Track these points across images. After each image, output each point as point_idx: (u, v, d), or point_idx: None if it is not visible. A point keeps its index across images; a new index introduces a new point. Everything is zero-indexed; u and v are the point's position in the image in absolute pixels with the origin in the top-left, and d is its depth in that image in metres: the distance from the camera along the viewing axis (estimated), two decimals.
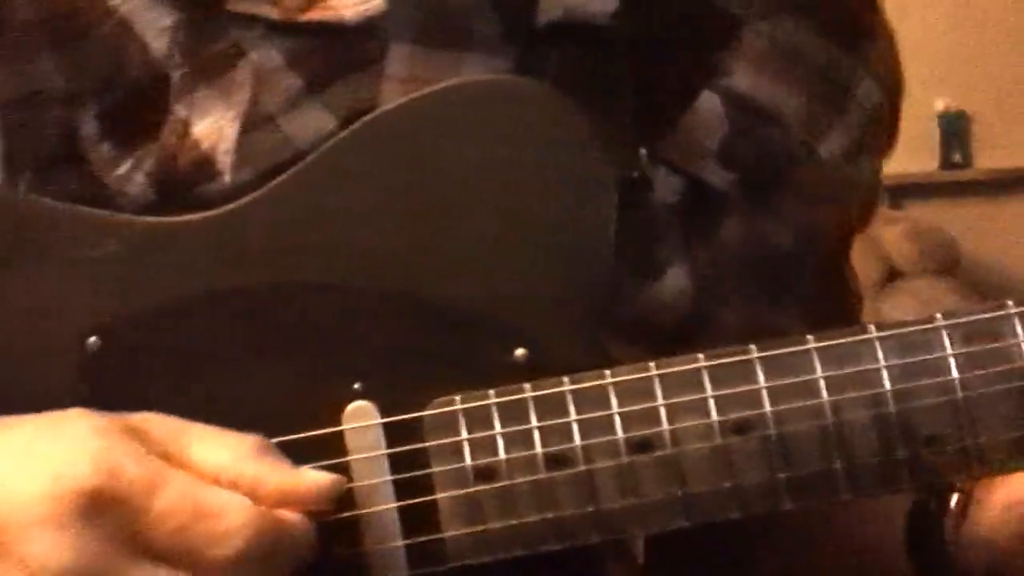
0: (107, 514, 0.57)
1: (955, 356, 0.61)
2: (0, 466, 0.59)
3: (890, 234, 4.63)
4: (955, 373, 0.61)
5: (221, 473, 0.61)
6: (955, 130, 5.55)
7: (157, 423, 0.63)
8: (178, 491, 0.59)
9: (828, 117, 0.83)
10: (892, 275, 4.49)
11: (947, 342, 0.61)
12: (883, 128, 0.87)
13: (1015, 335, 0.61)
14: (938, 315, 0.62)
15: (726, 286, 0.83)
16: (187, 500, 0.59)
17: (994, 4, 5.21)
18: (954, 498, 0.72)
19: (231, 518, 0.59)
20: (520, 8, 0.74)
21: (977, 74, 5.38)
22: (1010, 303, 0.61)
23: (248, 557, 0.59)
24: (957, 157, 5.60)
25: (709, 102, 0.78)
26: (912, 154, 5.58)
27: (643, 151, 0.74)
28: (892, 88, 0.87)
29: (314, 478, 0.63)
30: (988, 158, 5.47)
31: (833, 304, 0.90)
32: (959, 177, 5.50)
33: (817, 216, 0.85)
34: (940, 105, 5.48)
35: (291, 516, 0.62)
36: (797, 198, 0.83)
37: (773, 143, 0.80)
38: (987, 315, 0.61)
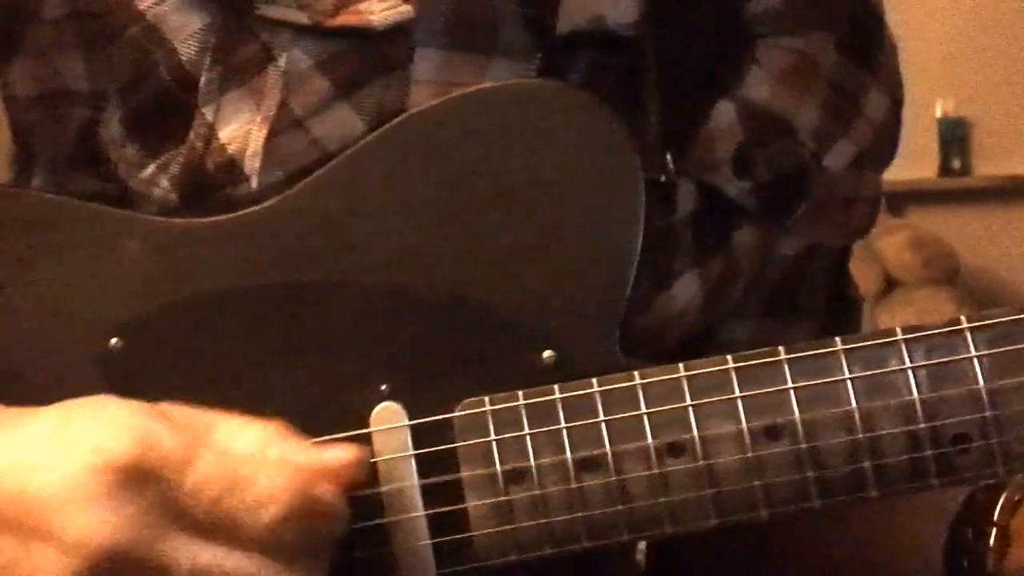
0: (146, 487, 0.57)
1: (979, 358, 0.62)
2: (31, 449, 0.59)
3: (890, 244, 4.62)
4: (980, 374, 0.62)
5: (245, 457, 0.61)
6: (955, 137, 5.54)
7: (180, 410, 0.62)
8: (213, 462, 0.59)
9: (837, 129, 0.83)
10: (890, 285, 4.48)
11: (972, 344, 0.62)
12: (888, 141, 0.88)
13: None
14: (963, 318, 0.62)
15: (735, 296, 0.84)
16: (223, 469, 0.58)
17: (996, 11, 5.20)
18: (993, 532, 0.72)
19: (267, 485, 0.59)
20: (544, 15, 0.74)
21: (977, 81, 5.37)
22: None
23: (286, 523, 0.59)
24: (956, 164, 5.59)
25: (724, 111, 0.79)
26: (911, 160, 5.58)
27: (669, 156, 0.74)
28: (896, 100, 0.87)
29: (336, 452, 0.62)
30: (987, 165, 5.47)
31: (839, 315, 0.91)
32: (958, 184, 5.49)
33: (821, 227, 0.86)
34: (940, 111, 5.47)
35: (326, 490, 0.61)
36: (805, 210, 0.84)
37: (786, 153, 0.81)
38: (1012, 318, 0.62)
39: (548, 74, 0.74)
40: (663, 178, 0.73)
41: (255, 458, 0.60)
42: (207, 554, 0.58)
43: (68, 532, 0.56)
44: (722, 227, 0.80)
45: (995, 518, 0.72)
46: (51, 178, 0.78)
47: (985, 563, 0.72)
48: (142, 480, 0.57)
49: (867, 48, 0.84)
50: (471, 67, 0.73)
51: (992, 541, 0.72)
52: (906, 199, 5.53)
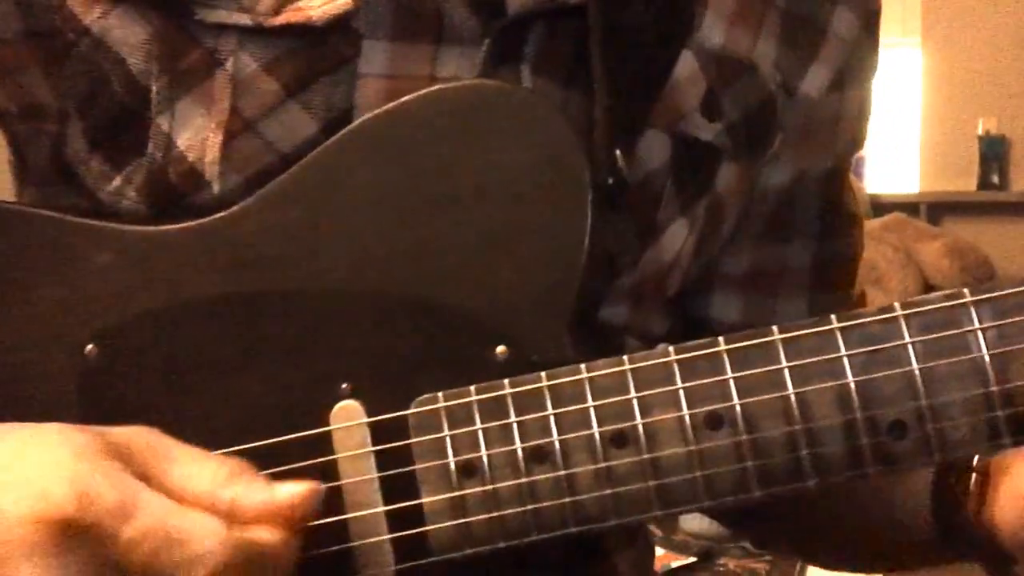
0: (82, 543, 0.57)
1: (914, 344, 0.62)
2: None
3: (929, 251, 4.65)
4: (914, 361, 0.62)
5: (200, 498, 0.61)
6: (995, 153, 5.59)
7: (139, 440, 0.62)
8: (151, 516, 0.58)
9: (804, 56, 0.84)
10: (928, 290, 4.52)
11: (906, 331, 0.62)
12: (865, 54, 0.88)
13: (971, 323, 0.62)
14: (896, 305, 0.63)
15: (725, 234, 0.85)
16: (160, 525, 0.58)
17: None
18: (972, 478, 0.73)
19: (204, 542, 0.58)
20: None
21: (1018, 101, 5.40)
22: (966, 291, 0.62)
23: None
24: (995, 179, 5.62)
25: (685, 61, 0.79)
26: (953, 173, 5.60)
27: (618, 152, 0.75)
28: (869, 11, 0.87)
29: (290, 491, 0.62)
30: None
31: (837, 234, 0.92)
32: (995, 198, 5.52)
33: (808, 152, 0.86)
34: (981, 128, 5.50)
35: (268, 536, 0.61)
36: (788, 138, 0.84)
37: (752, 90, 0.81)
38: (944, 304, 0.62)
39: (498, 57, 0.74)
40: (611, 180, 0.74)
41: (207, 507, 0.60)
42: None
43: None
44: (702, 172, 0.81)
45: (974, 464, 0.73)
46: (40, 191, 0.80)
47: (966, 505, 0.73)
48: (80, 533, 0.57)
49: None
50: (419, 56, 0.73)
51: (972, 485, 0.73)
52: (946, 210, 5.57)
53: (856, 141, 0.90)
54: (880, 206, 5.40)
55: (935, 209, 5.60)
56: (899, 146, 6.17)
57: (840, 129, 0.88)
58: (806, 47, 0.84)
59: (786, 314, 0.90)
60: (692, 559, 2.29)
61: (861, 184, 5.75)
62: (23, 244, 0.72)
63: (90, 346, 0.70)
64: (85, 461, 0.59)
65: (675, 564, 2.27)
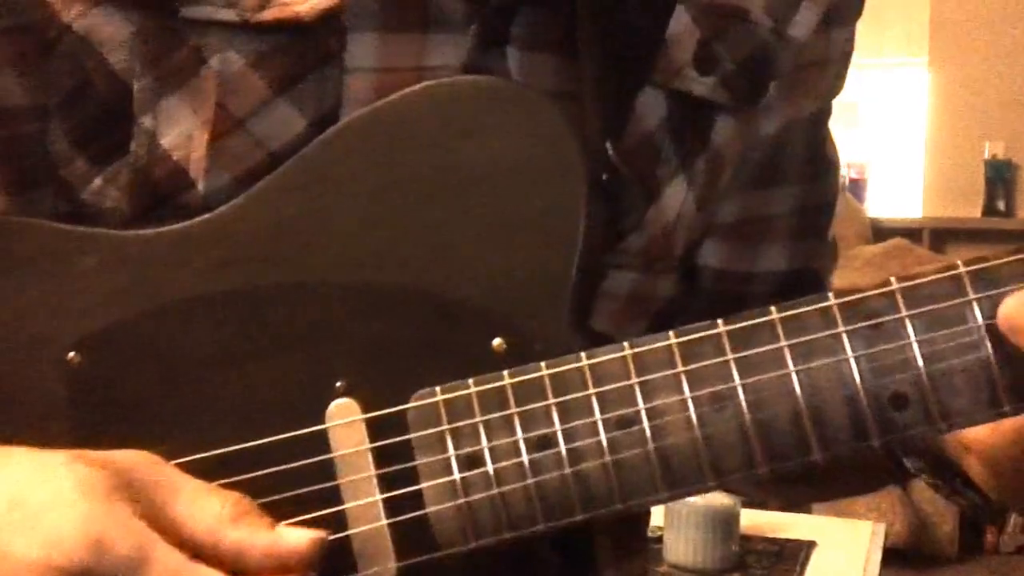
0: None
1: (911, 318, 0.62)
2: None
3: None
4: (912, 334, 0.62)
5: (203, 537, 0.61)
6: (1001, 178, 5.55)
7: (142, 470, 0.62)
8: (164, 570, 0.58)
9: None
10: None
11: (902, 304, 0.62)
12: None
13: (966, 294, 0.62)
14: (892, 279, 0.63)
15: (723, 186, 0.84)
16: (175, 574, 0.58)
17: None
18: None
19: None
20: None
21: None
22: (959, 263, 0.62)
23: None
24: (1000, 205, 5.59)
25: (677, 15, 0.78)
26: (958, 198, 5.57)
27: (609, 145, 0.75)
28: None
29: (296, 538, 0.62)
30: None
31: (819, 180, 0.91)
32: (1001, 225, 5.49)
33: (795, 97, 0.86)
34: (988, 153, 5.47)
35: None
36: (780, 84, 0.84)
37: (745, 38, 0.81)
38: (940, 275, 0.62)
39: (488, 42, 0.74)
40: (605, 176, 0.74)
41: (211, 545, 0.60)
42: None
43: None
44: (699, 127, 0.81)
45: None
46: (19, 197, 0.77)
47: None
48: None
49: None
50: (407, 46, 0.73)
51: None
52: (950, 236, 5.53)
53: (839, 82, 0.90)
54: (881, 231, 5.37)
55: (938, 235, 5.58)
56: (902, 168, 6.16)
57: (826, 72, 0.88)
58: None
59: (767, 260, 0.90)
60: None
61: (862, 207, 5.73)
62: (4, 251, 0.72)
63: (74, 352, 0.70)
64: (96, 502, 0.58)
65: None
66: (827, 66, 0.88)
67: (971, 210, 5.55)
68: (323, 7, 0.71)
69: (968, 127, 5.45)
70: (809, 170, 0.90)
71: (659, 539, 2.28)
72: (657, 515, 2.22)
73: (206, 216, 0.70)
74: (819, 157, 0.91)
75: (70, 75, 0.73)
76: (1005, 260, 0.62)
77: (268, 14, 0.71)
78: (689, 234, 0.83)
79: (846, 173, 5.96)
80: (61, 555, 0.56)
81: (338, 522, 0.67)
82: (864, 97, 6.16)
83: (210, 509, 0.61)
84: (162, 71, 0.72)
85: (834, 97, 0.91)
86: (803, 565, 2.35)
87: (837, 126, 0.94)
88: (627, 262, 0.80)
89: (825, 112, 0.91)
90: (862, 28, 0.90)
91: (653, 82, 0.78)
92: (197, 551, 0.60)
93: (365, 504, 0.67)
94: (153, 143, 0.73)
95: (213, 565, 0.60)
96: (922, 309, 0.62)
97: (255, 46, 0.72)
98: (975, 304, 0.62)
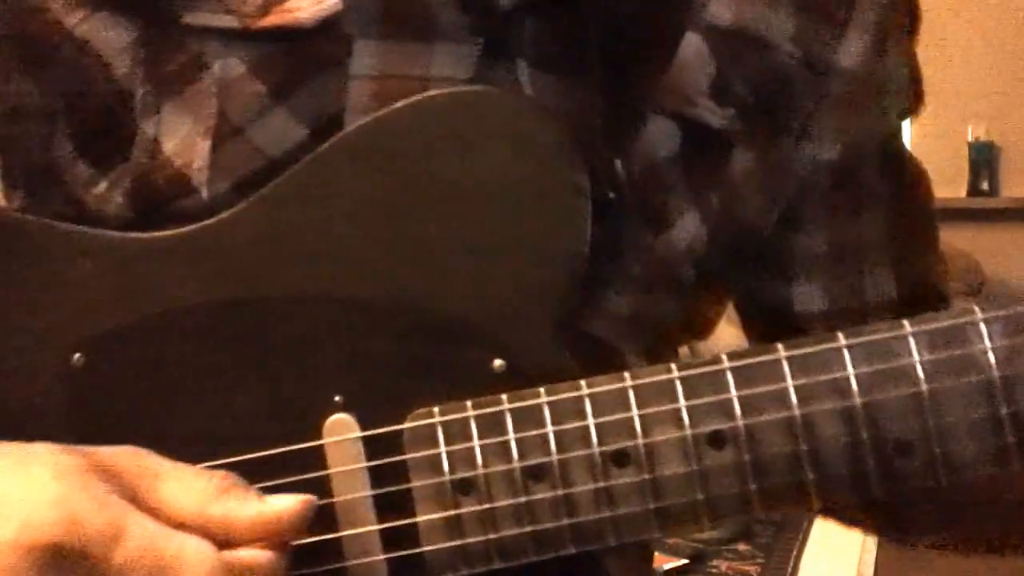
0: (71, 566, 0.56)
1: (922, 363, 0.61)
2: None
3: None
4: (922, 379, 0.61)
5: (190, 516, 0.60)
6: (984, 159, 5.61)
7: (126, 459, 0.61)
8: (139, 540, 0.57)
9: (831, 25, 0.80)
10: None
11: (914, 348, 0.61)
12: (902, 10, 0.84)
13: (981, 341, 0.60)
14: (905, 322, 0.61)
15: (750, 217, 0.81)
16: (149, 550, 0.57)
17: None
18: None
19: (195, 567, 0.57)
20: None
21: (1008, 108, 5.43)
22: (976, 308, 0.61)
23: None
24: (985, 185, 5.63)
25: (692, 43, 0.77)
26: (942, 180, 5.59)
27: (618, 162, 0.73)
28: None
29: (283, 505, 0.61)
30: (1014, 187, 5.53)
31: (907, 196, 0.88)
32: (985, 204, 5.54)
33: (858, 123, 0.83)
34: (971, 135, 5.51)
35: (257, 555, 0.60)
36: (823, 113, 0.81)
37: (766, 69, 0.78)
38: (954, 321, 0.61)
39: (493, 53, 0.72)
40: (611, 194, 0.72)
41: (187, 534, 0.59)
42: None
43: None
44: (715, 157, 0.79)
45: None
46: (27, 198, 0.78)
47: None
48: (70, 559, 0.56)
49: None
50: (412, 56, 0.72)
51: None
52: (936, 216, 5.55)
53: (908, 101, 0.86)
54: None
55: None
56: None
57: (888, 95, 0.84)
58: (834, 16, 0.80)
59: (874, 290, 0.86)
60: (684, 561, 2.29)
61: None
62: (9, 250, 0.71)
63: (77, 355, 0.69)
64: (69, 482, 0.57)
65: (667, 566, 2.27)
66: (887, 87, 0.84)
67: (956, 190, 5.58)
68: (324, 14, 0.70)
69: (951, 110, 5.48)
70: (893, 189, 0.86)
71: None
72: None
73: (207, 222, 0.69)
74: (902, 173, 0.87)
75: (72, 80, 0.73)
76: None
77: (269, 20, 0.71)
78: (702, 264, 0.81)
79: None
80: (34, 535, 0.55)
81: (332, 543, 0.66)
82: None
83: (197, 487, 0.61)
84: (163, 77, 0.72)
85: (908, 117, 0.87)
86: (806, 533, 2.37)
87: None
88: (624, 288, 0.78)
89: (898, 131, 0.87)
90: None
91: (663, 109, 0.76)
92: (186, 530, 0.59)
93: (360, 526, 0.66)
94: (155, 149, 0.72)
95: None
96: (934, 356, 0.61)
97: (256, 52, 0.71)
98: (990, 352, 0.60)
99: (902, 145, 0.88)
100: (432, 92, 0.69)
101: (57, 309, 0.70)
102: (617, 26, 0.74)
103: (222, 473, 0.62)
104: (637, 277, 0.78)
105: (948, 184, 5.56)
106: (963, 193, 5.62)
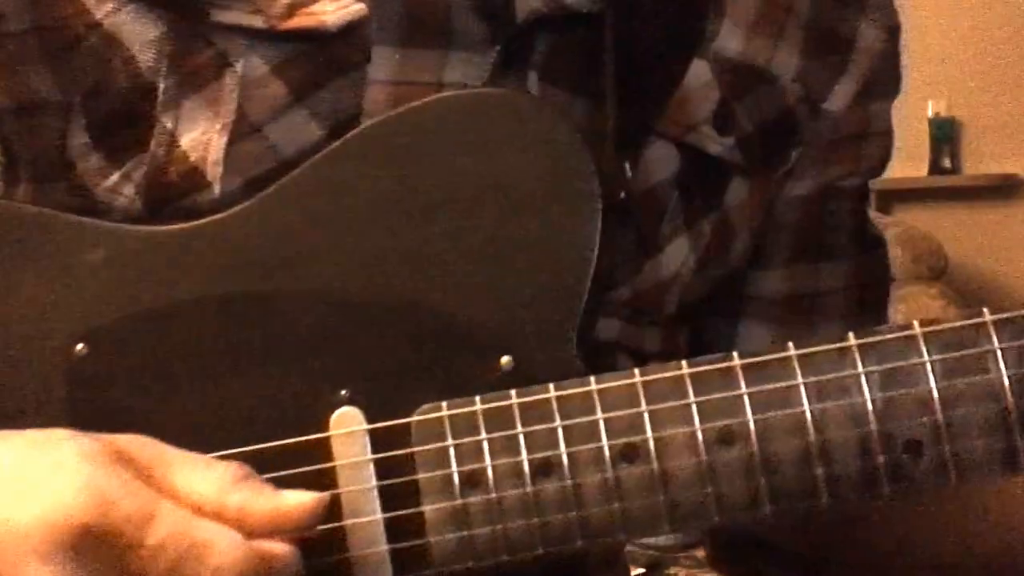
0: (100, 549, 0.57)
1: (932, 364, 0.62)
2: None
3: None
4: (932, 381, 0.62)
5: (205, 503, 0.61)
6: (945, 136, 5.56)
7: (140, 447, 0.62)
8: (170, 524, 0.58)
9: (830, 69, 0.82)
10: None
11: (924, 350, 0.62)
12: (889, 70, 0.87)
13: (990, 343, 0.61)
14: (916, 323, 0.62)
15: (736, 252, 0.83)
16: (180, 535, 0.58)
17: (987, 16, 5.23)
18: None
19: (223, 552, 0.58)
20: (500, 3, 0.74)
21: (968, 82, 5.41)
22: (986, 311, 0.62)
23: None
24: (946, 163, 5.61)
25: (698, 70, 0.78)
26: (902, 159, 5.59)
27: (627, 165, 0.74)
28: (892, 28, 0.87)
29: (298, 499, 0.62)
30: (976, 164, 5.50)
31: (869, 254, 0.90)
32: (947, 183, 5.51)
33: (832, 167, 0.85)
34: (931, 110, 5.48)
35: (278, 547, 0.61)
36: (810, 152, 0.83)
37: (768, 102, 0.80)
38: (964, 323, 0.62)
39: (508, 63, 0.74)
40: (622, 195, 0.73)
41: (214, 513, 0.60)
42: None
43: None
44: (710, 187, 0.80)
45: None
46: (34, 189, 0.78)
47: None
48: (96, 541, 0.57)
49: None
50: (428, 62, 0.73)
51: None
52: (896, 197, 5.55)
53: (883, 159, 0.89)
54: None
55: (885, 196, 5.59)
56: None
57: (866, 144, 0.87)
58: (834, 61, 0.83)
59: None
60: (640, 571, 2.28)
61: None
62: (14, 240, 0.70)
63: (80, 345, 0.69)
64: (97, 466, 0.58)
65: None
66: (866, 139, 0.87)
67: (917, 169, 5.57)
68: (348, 19, 0.72)
69: (910, 86, 5.47)
70: (857, 246, 0.89)
71: None
72: None
73: (217, 216, 0.70)
74: (865, 231, 0.90)
75: (94, 71, 0.74)
76: None
77: (294, 22, 0.72)
78: (685, 294, 0.82)
79: None
80: (67, 517, 0.56)
81: (338, 535, 0.66)
82: None
83: (212, 476, 0.62)
84: (187, 72, 0.73)
85: (877, 175, 0.89)
86: None
87: None
88: (613, 311, 0.79)
89: (867, 188, 0.90)
90: None
91: (665, 134, 0.77)
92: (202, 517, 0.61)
93: (365, 518, 0.66)
94: (172, 143, 0.73)
95: None
96: (945, 356, 0.61)
97: (278, 52, 0.72)
98: (999, 354, 0.61)
99: (865, 202, 0.90)
100: (445, 93, 0.70)
101: (61, 299, 0.69)
102: (630, 49, 0.75)
103: (236, 463, 0.63)
104: (623, 303, 0.79)
105: (908, 163, 5.53)
106: (924, 172, 5.60)
